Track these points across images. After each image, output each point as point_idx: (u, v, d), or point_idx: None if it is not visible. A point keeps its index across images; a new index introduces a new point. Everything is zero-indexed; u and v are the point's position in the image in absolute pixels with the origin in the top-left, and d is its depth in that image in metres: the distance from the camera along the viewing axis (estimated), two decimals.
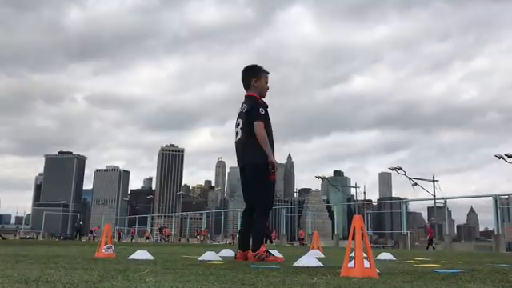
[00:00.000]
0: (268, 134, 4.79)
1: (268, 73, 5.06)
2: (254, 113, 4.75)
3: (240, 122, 4.90)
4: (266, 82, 4.99)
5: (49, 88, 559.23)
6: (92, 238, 43.40)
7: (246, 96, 5.00)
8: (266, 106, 4.88)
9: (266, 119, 4.79)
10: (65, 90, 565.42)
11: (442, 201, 31.62)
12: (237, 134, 4.93)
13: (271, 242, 32.08)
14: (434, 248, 27.01)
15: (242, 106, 4.93)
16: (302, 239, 39.09)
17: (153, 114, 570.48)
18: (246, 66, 5.04)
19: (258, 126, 4.68)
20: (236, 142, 4.96)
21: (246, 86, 4.98)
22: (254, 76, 4.95)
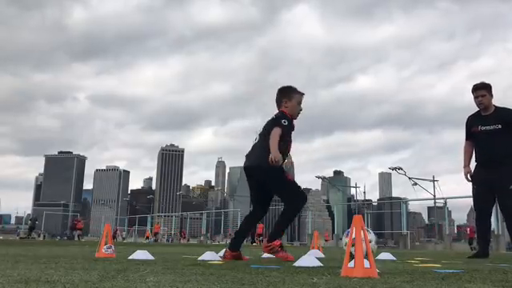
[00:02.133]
0: (284, 145, 4.79)
1: (302, 94, 5.09)
2: (277, 121, 4.82)
3: (262, 129, 4.99)
4: (299, 103, 5.04)
5: (51, 87, 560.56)
6: (77, 237, 36.37)
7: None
8: (290, 121, 4.91)
9: (286, 130, 4.81)
10: (67, 90, 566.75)
11: (442, 201, 31.62)
12: (255, 139, 5.01)
13: (252, 242, 29.48)
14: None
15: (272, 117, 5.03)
16: (259, 235, 32.74)
17: (155, 114, 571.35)
18: (281, 87, 5.14)
19: (275, 130, 4.71)
20: (252, 147, 5.03)
21: (278, 106, 5.07)
22: (284, 97, 5.03)
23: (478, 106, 6.26)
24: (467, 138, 6.46)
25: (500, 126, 6.04)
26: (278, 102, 5.05)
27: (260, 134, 4.94)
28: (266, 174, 4.76)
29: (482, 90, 6.23)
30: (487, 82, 6.35)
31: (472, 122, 6.37)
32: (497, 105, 6.26)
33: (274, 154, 4.60)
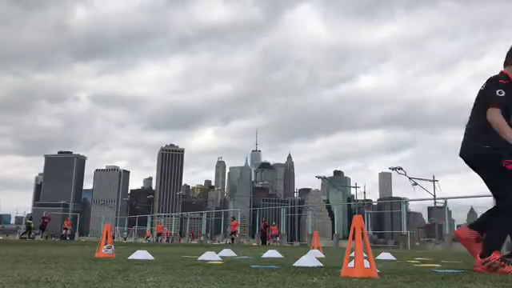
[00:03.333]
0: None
1: None
2: (488, 94, 3.80)
3: (475, 103, 4.01)
4: None
5: (52, 87, 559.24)
6: (64, 236, 36.48)
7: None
8: (506, 86, 3.81)
9: (505, 102, 3.74)
10: (69, 90, 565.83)
11: (442, 201, 31.62)
12: (468, 120, 4.10)
13: (264, 243, 28.81)
14: None
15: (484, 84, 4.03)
16: (233, 233, 31.29)
17: (156, 114, 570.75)
18: None
19: (491, 113, 3.69)
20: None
21: (505, 63, 4.10)
22: None
23: None
24: None
25: None
26: (506, 59, 4.10)
27: (471, 113, 4.01)
28: (482, 164, 3.85)
29: None
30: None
31: None
32: None
33: None
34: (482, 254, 3.54)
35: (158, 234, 45.00)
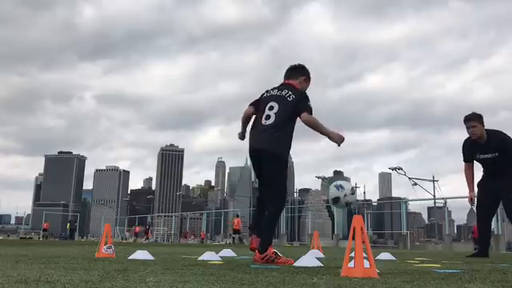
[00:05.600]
0: None
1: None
2: (303, 104, 4.41)
3: (275, 105, 4.46)
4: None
5: (58, 87, 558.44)
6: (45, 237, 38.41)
7: (286, 83, 4.67)
8: None
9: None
10: (74, 89, 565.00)
11: (442, 201, 31.60)
12: (268, 117, 4.44)
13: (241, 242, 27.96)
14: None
15: (282, 90, 4.54)
16: (236, 231, 30.23)
17: (162, 114, 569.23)
18: (302, 64, 4.92)
19: (310, 117, 4.36)
20: (261, 125, 4.46)
21: (292, 77, 4.72)
22: (306, 76, 4.78)
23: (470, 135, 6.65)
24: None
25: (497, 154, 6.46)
26: (296, 75, 4.76)
27: (276, 114, 4.42)
28: (275, 161, 4.40)
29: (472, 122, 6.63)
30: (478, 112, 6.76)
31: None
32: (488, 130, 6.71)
33: (335, 137, 4.43)
34: (260, 251, 4.22)
35: (135, 234, 44.53)
